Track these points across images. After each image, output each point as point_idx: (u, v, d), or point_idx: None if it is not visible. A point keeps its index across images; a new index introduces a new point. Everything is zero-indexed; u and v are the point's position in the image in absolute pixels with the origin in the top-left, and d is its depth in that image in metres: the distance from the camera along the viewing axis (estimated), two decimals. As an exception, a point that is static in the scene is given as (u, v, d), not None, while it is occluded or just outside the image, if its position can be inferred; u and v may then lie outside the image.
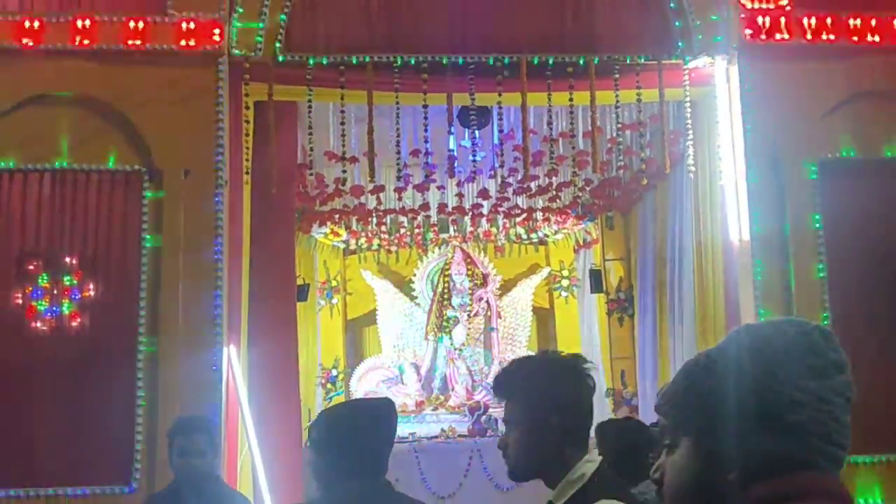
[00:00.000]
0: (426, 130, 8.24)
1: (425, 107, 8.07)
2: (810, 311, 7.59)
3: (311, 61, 7.91)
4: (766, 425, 1.37)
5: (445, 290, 13.27)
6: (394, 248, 13.29)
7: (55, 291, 7.30)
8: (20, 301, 7.28)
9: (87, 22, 7.52)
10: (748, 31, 7.99)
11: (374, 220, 12.01)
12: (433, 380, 12.88)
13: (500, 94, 8.09)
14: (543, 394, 2.55)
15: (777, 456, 1.36)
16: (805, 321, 1.49)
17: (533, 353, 2.57)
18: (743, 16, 8.00)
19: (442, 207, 11.43)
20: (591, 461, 2.54)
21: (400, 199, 11.11)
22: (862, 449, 7.48)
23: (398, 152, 8.32)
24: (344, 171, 9.18)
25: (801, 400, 1.37)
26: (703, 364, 1.49)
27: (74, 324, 7.31)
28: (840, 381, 1.41)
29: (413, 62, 7.96)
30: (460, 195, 11.13)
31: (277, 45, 7.88)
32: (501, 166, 9.84)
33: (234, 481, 7.54)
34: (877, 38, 8.03)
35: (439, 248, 13.37)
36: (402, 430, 11.88)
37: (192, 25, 7.64)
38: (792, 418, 1.36)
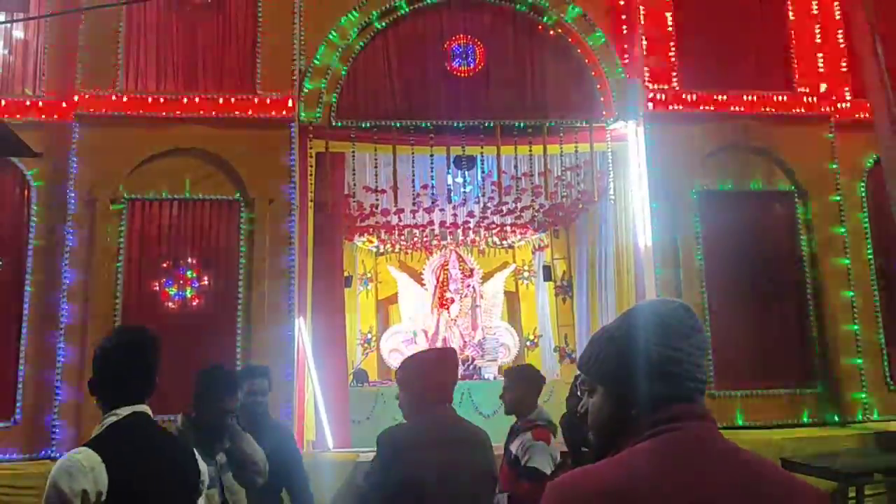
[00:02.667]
0: (432, 171, 8.27)
1: (431, 156, 8.11)
2: (694, 293, 7.66)
3: (354, 125, 7.96)
4: (653, 375, 1.37)
5: (445, 279, 13.27)
6: (410, 251, 13.34)
7: (181, 282, 7.34)
8: (157, 288, 7.33)
9: (203, 98, 7.60)
10: (651, 104, 8.05)
11: (397, 231, 12.06)
12: (437, 341, 12.81)
13: (482, 147, 8.17)
14: (103, 361, 2.28)
15: (662, 395, 1.36)
16: (671, 300, 1.49)
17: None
18: (647, 93, 8.06)
19: (442, 223, 11.48)
20: (115, 415, 2.21)
21: (414, 217, 11.14)
22: (730, 385, 7.59)
23: (413, 186, 8.36)
24: (376, 199, 9.21)
25: (675, 356, 1.38)
26: (606, 336, 1.48)
27: (194, 304, 7.35)
28: (698, 339, 1.41)
29: (423, 125, 8.01)
30: (455, 215, 11.16)
31: (331, 114, 7.94)
32: (483, 195, 9.89)
33: (303, 411, 7.60)
34: (734, 109, 8.08)
35: (440, 251, 13.39)
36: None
37: (273, 100, 7.70)
38: (670, 369, 1.37)
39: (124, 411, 2.22)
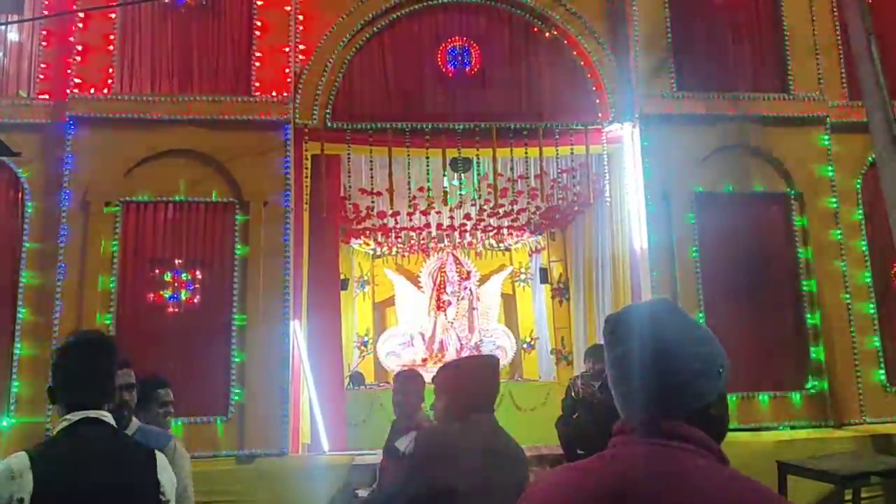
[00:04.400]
0: (428, 174, 8.24)
1: (427, 158, 8.07)
2: (689, 296, 7.62)
3: (350, 127, 7.93)
4: (616, 387, 1.36)
5: (442, 282, 13.24)
6: (406, 254, 13.30)
7: (175, 284, 7.29)
8: (152, 291, 7.28)
9: (198, 100, 7.56)
10: (646, 106, 8.02)
11: (393, 234, 12.02)
12: (434, 343, 12.82)
13: (478, 149, 8.10)
14: (56, 370, 2.20)
15: (619, 406, 1.35)
16: (647, 304, 1.45)
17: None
18: (642, 95, 8.04)
19: (439, 226, 11.45)
20: (67, 420, 2.14)
21: (410, 220, 11.11)
22: (730, 388, 7.53)
23: (409, 188, 8.32)
24: (372, 202, 9.14)
25: (614, 371, 1.36)
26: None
27: (189, 306, 7.30)
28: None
29: (419, 127, 7.97)
30: (451, 217, 11.13)
31: (327, 116, 7.90)
32: (479, 197, 9.87)
33: (298, 414, 7.56)
34: (729, 111, 8.06)
35: (437, 254, 13.36)
36: (412, 377, 11.92)
37: (268, 102, 7.67)
38: (620, 383, 1.34)
39: (75, 416, 2.13)
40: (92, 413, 2.15)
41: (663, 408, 1.29)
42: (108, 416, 2.20)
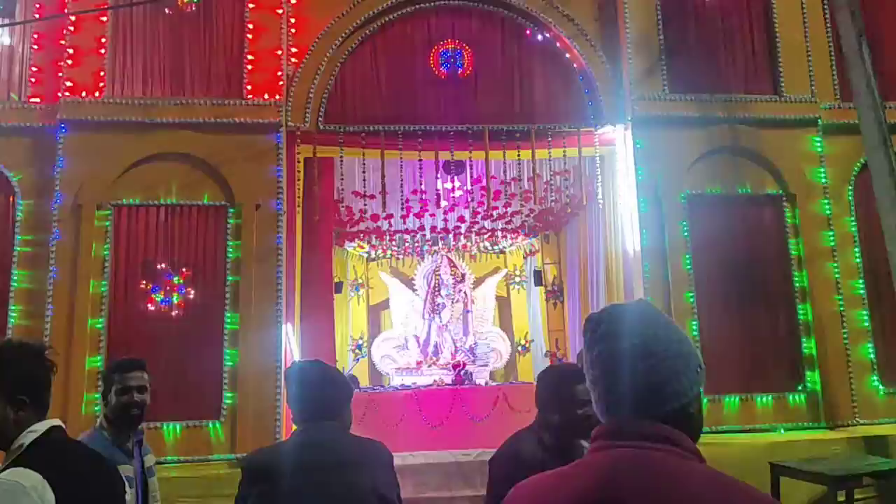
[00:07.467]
0: (421, 176, 8.21)
1: (420, 160, 8.05)
2: (682, 298, 7.60)
3: (342, 130, 7.90)
4: (595, 389, 1.35)
5: (436, 285, 13.20)
6: (401, 256, 13.27)
7: (168, 288, 7.24)
8: (144, 294, 7.23)
9: (189, 103, 7.52)
10: (638, 108, 8.00)
11: (387, 237, 12.00)
12: (428, 346, 12.78)
13: (470, 152, 8.10)
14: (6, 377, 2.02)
15: (599, 411, 1.35)
16: (640, 300, 1.45)
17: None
18: (634, 98, 8.03)
19: (433, 228, 11.41)
20: (34, 431, 2.00)
21: (404, 222, 11.08)
22: (718, 389, 7.52)
23: (402, 191, 8.30)
24: (365, 204, 9.15)
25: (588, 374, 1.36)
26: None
27: (181, 310, 7.24)
28: (602, 352, 1.34)
29: (411, 130, 7.95)
30: (445, 220, 11.10)
31: (319, 119, 7.88)
32: (472, 200, 9.85)
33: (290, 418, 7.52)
34: (721, 113, 8.04)
35: (432, 256, 13.33)
36: (406, 380, 11.90)
37: (260, 106, 7.63)
38: (593, 388, 1.35)
39: (41, 426, 2.03)
40: (54, 422, 2.08)
41: (644, 407, 1.27)
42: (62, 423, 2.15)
